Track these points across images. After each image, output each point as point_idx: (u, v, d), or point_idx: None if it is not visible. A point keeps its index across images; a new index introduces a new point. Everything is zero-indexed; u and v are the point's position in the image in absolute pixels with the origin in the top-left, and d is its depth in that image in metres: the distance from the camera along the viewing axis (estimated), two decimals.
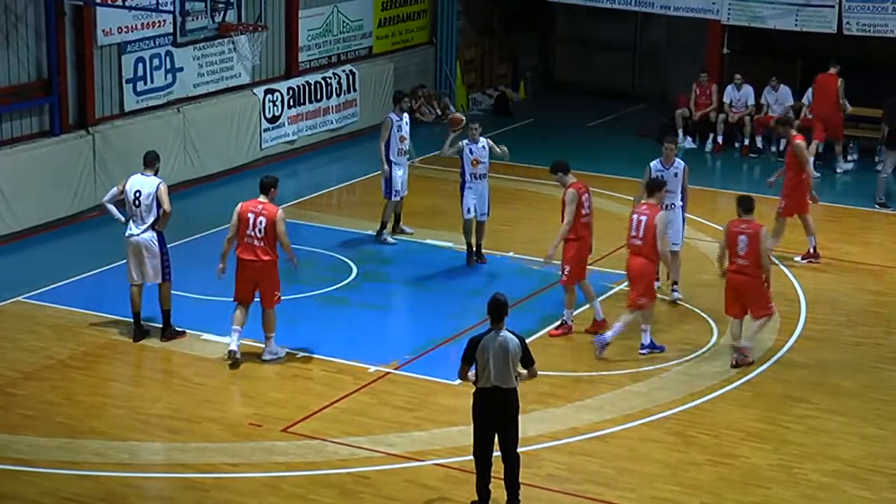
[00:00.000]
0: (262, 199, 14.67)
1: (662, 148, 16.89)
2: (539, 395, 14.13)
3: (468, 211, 17.88)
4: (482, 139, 17.88)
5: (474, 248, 18.13)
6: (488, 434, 11.54)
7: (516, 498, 11.62)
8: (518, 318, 15.34)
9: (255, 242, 14.60)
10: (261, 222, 14.54)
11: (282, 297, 14.96)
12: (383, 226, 19.15)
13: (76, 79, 19.71)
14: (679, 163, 16.78)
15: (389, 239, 19.09)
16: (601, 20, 27.03)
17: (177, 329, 15.47)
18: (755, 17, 24.11)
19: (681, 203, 16.74)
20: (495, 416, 11.49)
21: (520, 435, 11.70)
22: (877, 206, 21.22)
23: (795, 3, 23.66)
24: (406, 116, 19.15)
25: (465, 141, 17.84)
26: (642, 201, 15.34)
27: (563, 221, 15.68)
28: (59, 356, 15.04)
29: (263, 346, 15.04)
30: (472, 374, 11.48)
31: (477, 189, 17.89)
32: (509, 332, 11.45)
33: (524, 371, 11.52)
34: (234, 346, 14.79)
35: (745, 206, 15.02)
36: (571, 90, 27.95)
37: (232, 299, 14.94)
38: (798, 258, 18.53)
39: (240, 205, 14.74)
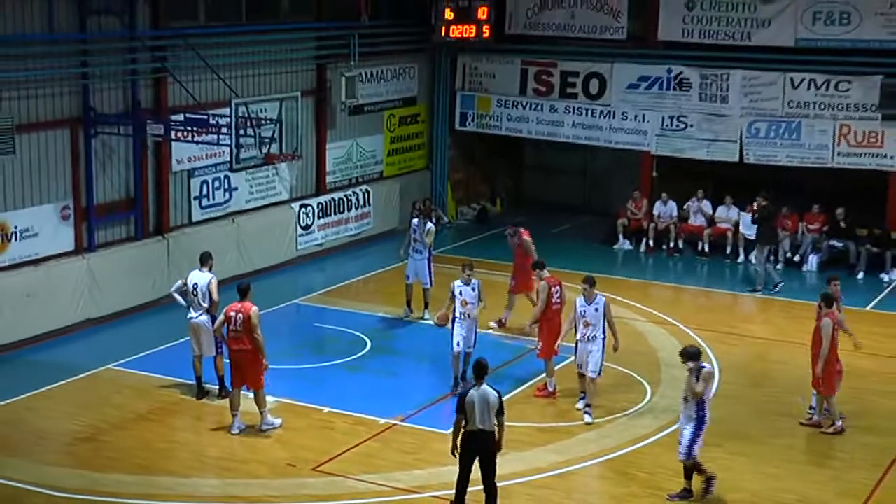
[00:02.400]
0: (244, 301, 14.15)
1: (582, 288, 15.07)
2: (511, 442, 13.99)
3: (457, 344, 15.63)
4: (474, 281, 15.80)
5: (460, 374, 15.73)
6: (470, 467, 11.73)
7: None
8: (496, 380, 15.30)
9: (236, 335, 14.10)
10: (239, 318, 14.02)
11: (267, 381, 14.32)
12: (407, 303, 19.12)
13: (155, 196, 19.76)
14: (600, 299, 14.87)
15: (404, 315, 19.07)
16: (560, 151, 27.12)
17: (230, 389, 15.36)
18: (676, 148, 24.25)
19: (602, 335, 14.82)
20: (479, 452, 11.65)
21: (496, 472, 11.68)
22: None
23: (706, 139, 23.82)
24: (415, 222, 19.06)
25: (458, 283, 15.74)
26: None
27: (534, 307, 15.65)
28: (138, 411, 14.97)
29: (259, 419, 14.39)
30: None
31: (465, 325, 15.67)
32: (489, 386, 11.65)
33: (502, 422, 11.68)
34: (235, 431, 14.24)
35: (826, 301, 14.72)
36: (537, 205, 28.01)
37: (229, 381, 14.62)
38: (493, 324, 18.25)
39: (226, 308, 14.29)
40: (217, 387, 15.42)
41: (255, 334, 14.02)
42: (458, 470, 11.85)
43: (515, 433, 14.02)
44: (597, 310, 14.80)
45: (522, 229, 18.84)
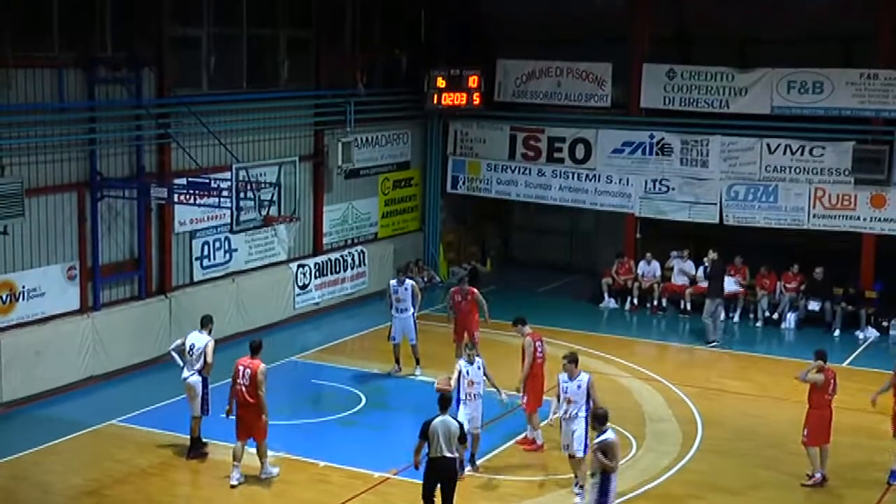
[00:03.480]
0: (255, 358, 14.37)
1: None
2: (503, 495, 14.09)
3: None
4: (478, 360, 14.87)
5: (467, 457, 14.58)
6: (434, 488, 12.71)
7: None
8: (487, 434, 15.42)
9: (243, 388, 14.24)
10: (247, 373, 14.20)
11: (267, 433, 14.42)
12: (396, 360, 19.18)
13: (158, 257, 19.87)
14: (582, 376, 14.13)
15: (393, 372, 19.14)
16: (546, 213, 27.36)
17: (202, 451, 15.23)
18: (659, 211, 24.51)
19: (584, 414, 13.92)
20: (442, 475, 12.63)
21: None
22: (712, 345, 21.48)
23: (688, 202, 24.09)
24: (393, 283, 19.17)
25: (462, 362, 14.81)
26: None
27: (522, 363, 15.68)
28: (141, 466, 14.96)
29: (260, 468, 14.51)
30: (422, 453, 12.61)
31: (471, 406, 14.63)
32: (451, 417, 12.72)
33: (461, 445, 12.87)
34: (234, 482, 14.27)
35: (822, 357, 14.67)
36: (524, 265, 28.16)
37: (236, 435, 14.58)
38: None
39: (237, 361, 14.48)
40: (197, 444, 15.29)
41: (259, 391, 14.12)
42: (422, 493, 12.72)
43: (507, 486, 14.07)
44: (579, 387, 14.06)
45: (470, 287, 19.03)
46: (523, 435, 15.96)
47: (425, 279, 26.19)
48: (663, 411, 17.63)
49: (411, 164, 26.43)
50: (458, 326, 18.87)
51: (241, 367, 14.28)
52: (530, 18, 25.32)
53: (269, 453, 14.77)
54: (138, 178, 19.00)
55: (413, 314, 19.08)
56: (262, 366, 14.27)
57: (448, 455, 12.50)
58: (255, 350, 14.48)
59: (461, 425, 12.65)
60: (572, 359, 14.31)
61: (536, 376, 15.66)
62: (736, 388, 19.17)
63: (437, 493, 12.75)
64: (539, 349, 15.68)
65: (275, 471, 14.54)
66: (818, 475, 14.68)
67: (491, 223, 28.71)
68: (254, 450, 14.47)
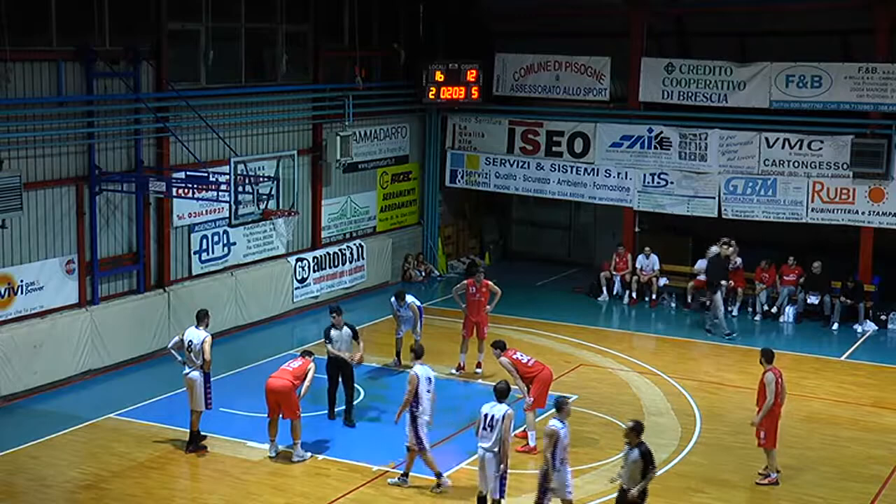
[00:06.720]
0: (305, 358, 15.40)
1: None
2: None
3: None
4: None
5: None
6: (336, 379, 16.16)
7: (351, 403, 16.35)
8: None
9: (282, 374, 15.00)
10: (296, 363, 15.13)
11: (301, 414, 15.06)
12: (396, 354, 19.28)
13: (157, 251, 19.85)
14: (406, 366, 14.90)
15: (392, 364, 19.12)
16: (545, 206, 27.36)
17: (201, 444, 15.33)
18: (658, 204, 24.47)
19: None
20: (340, 370, 16.16)
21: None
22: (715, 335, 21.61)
23: (686, 195, 24.08)
24: (394, 301, 19.12)
25: (557, 423, 12.53)
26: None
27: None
28: (139, 459, 14.94)
29: (292, 450, 14.98)
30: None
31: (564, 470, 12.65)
32: (346, 324, 16.28)
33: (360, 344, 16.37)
34: (272, 454, 15.04)
35: (767, 356, 14.61)
36: (523, 258, 28.18)
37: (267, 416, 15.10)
38: (454, 370, 18.79)
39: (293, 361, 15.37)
40: (188, 439, 15.35)
41: (307, 381, 15.01)
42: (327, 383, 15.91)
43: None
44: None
45: (485, 280, 19.02)
46: (522, 428, 15.94)
47: (423, 273, 26.16)
48: (662, 404, 17.61)
49: (410, 157, 26.38)
50: (468, 320, 18.83)
51: (290, 360, 15.40)
52: (529, 12, 25.29)
53: (262, 446, 14.82)
54: (137, 172, 18.95)
55: (418, 332, 18.84)
56: (313, 364, 15.18)
57: (343, 354, 16.07)
58: (309, 353, 15.46)
59: (353, 328, 16.23)
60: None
61: (536, 376, 15.43)
62: (734, 381, 19.14)
63: None
64: (523, 357, 15.56)
65: (307, 455, 14.96)
66: (774, 475, 14.62)
67: (489, 217, 28.69)
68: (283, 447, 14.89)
